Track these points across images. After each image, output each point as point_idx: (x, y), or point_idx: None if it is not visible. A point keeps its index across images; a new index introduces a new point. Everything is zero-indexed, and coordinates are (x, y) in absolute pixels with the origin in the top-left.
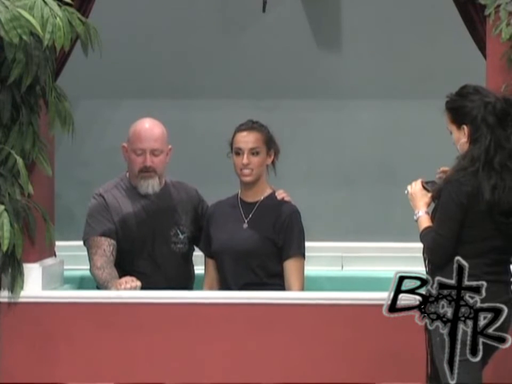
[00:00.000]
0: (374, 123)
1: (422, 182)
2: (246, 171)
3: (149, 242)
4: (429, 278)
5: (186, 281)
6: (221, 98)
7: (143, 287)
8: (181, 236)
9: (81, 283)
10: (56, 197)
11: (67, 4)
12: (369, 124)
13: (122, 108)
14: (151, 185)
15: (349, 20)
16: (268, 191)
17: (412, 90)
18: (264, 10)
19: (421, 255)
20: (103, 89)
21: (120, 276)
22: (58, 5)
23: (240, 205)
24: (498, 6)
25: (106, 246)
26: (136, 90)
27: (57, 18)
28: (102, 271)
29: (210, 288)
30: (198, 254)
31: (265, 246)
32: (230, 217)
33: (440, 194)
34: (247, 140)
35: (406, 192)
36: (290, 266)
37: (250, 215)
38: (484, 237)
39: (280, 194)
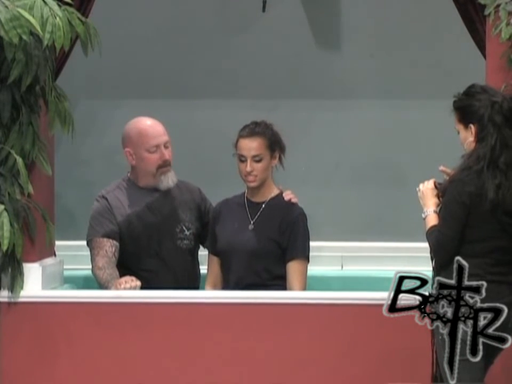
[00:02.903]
0: (374, 123)
1: (435, 182)
2: (251, 177)
3: (155, 240)
4: (434, 277)
5: (194, 277)
6: (220, 98)
7: (151, 285)
8: (187, 232)
9: (81, 283)
10: (56, 197)
11: (67, 3)
12: (369, 124)
13: (122, 108)
14: (170, 178)
15: (349, 20)
16: (275, 192)
17: (412, 90)
18: (264, 10)
19: (421, 254)
20: (103, 89)
21: (127, 275)
22: (58, 5)
23: (246, 205)
24: (498, 5)
25: (108, 247)
26: (136, 90)
27: (57, 18)
28: (103, 272)
29: (214, 286)
30: (202, 254)
31: (269, 247)
32: (236, 216)
33: (445, 193)
34: (249, 147)
35: (417, 189)
36: (293, 268)
37: (256, 216)
38: (488, 236)
39: (287, 195)
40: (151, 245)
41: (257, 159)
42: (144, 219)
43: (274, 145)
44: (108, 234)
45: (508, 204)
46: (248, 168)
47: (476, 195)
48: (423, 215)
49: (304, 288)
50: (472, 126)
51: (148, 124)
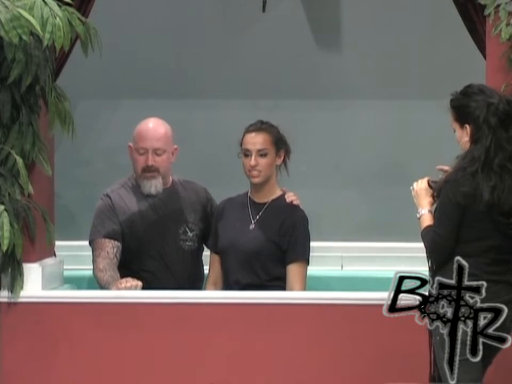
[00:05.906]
0: (374, 123)
1: (428, 181)
2: (254, 172)
3: (158, 241)
4: (430, 277)
5: (196, 279)
6: (220, 99)
7: (151, 287)
8: (190, 234)
9: (81, 283)
10: (56, 197)
11: (67, 3)
12: (369, 124)
13: (122, 108)
14: (153, 186)
15: (349, 20)
16: (277, 193)
17: (411, 90)
18: (264, 10)
19: (421, 254)
20: (103, 89)
21: (128, 276)
22: (58, 5)
23: (249, 205)
24: (498, 6)
25: (110, 248)
26: (136, 90)
27: (57, 18)
28: (104, 273)
29: (214, 284)
30: (206, 254)
31: (269, 248)
32: (238, 216)
33: (439, 193)
34: (255, 141)
35: (411, 188)
36: (293, 270)
37: (258, 216)
38: (482, 236)
39: (289, 197)
40: (153, 245)
41: (262, 153)
42: (147, 219)
43: (280, 143)
44: (109, 235)
45: (503, 204)
46: (253, 162)
47: (470, 195)
48: (417, 215)
49: (304, 290)
50: (467, 126)
51: (148, 126)
